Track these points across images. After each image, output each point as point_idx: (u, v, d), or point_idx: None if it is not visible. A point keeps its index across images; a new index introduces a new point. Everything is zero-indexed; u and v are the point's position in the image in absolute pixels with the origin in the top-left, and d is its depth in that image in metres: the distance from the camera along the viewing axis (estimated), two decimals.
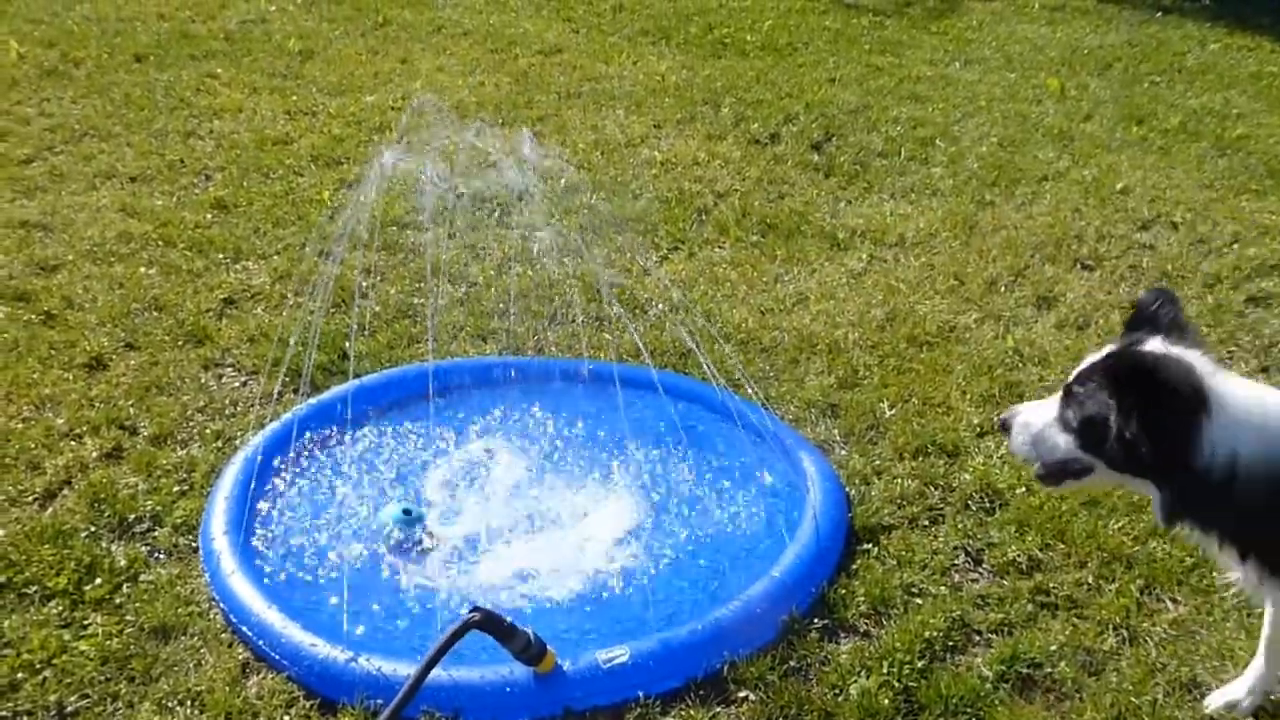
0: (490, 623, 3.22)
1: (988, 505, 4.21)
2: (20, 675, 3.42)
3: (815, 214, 6.60)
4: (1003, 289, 5.79)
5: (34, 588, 3.73)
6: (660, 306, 5.48)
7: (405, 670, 3.19)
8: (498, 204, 6.33)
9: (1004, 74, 9.24)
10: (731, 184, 6.98)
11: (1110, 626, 3.66)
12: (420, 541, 4.01)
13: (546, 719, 3.32)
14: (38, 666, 3.45)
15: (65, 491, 4.21)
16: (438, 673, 3.17)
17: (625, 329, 5.22)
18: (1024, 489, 4.26)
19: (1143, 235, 6.41)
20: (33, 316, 5.27)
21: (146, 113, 7.81)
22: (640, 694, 3.35)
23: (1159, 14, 11.10)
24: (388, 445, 4.53)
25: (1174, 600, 3.78)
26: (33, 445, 4.41)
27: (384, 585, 3.84)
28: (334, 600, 3.73)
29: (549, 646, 3.32)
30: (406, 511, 4.06)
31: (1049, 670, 3.49)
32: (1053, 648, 3.56)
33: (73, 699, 3.36)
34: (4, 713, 3.30)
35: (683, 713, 3.35)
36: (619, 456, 4.47)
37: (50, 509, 4.11)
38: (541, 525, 4.13)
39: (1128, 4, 11.45)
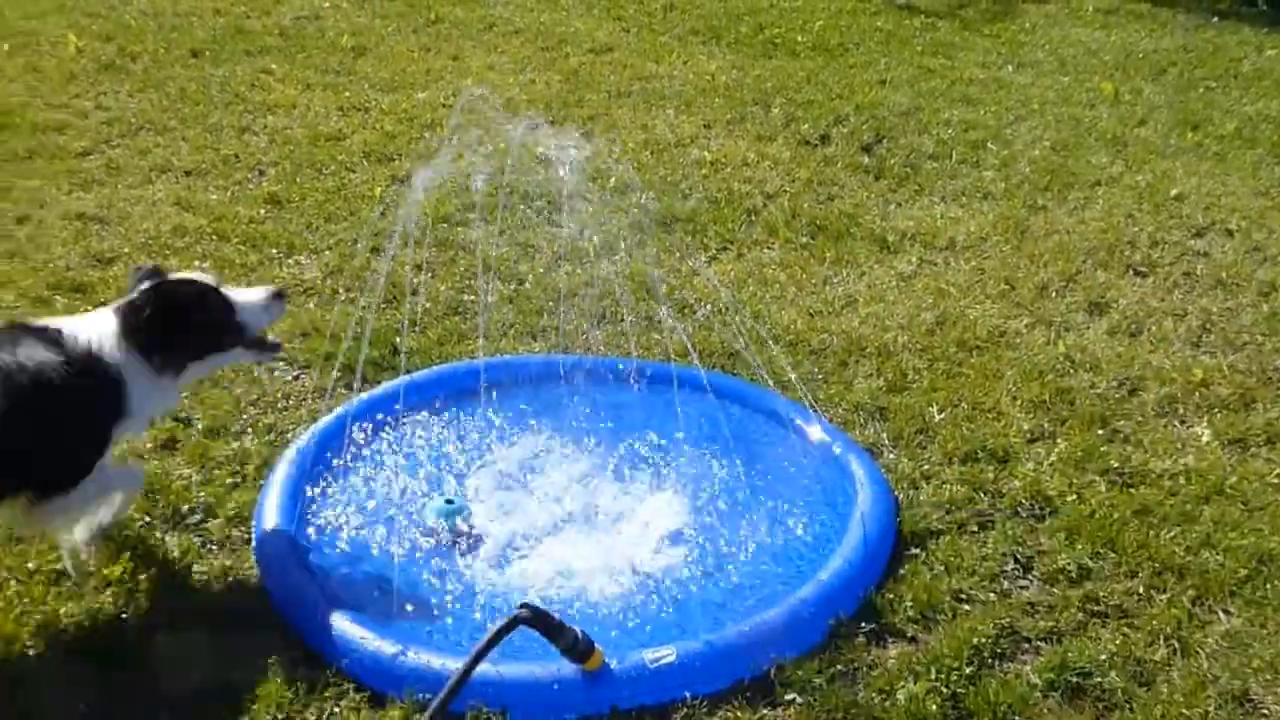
0: (538, 619, 3.23)
1: (1037, 512, 4.19)
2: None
3: (865, 216, 6.58)
4: (1054, 294, 5.75)
5: (90, 576, 3.78)
6: (709, 307, 5.48)
7: (453, 664, 3.20)
8: (547, 201, 6.35)
9: (1057, 77, 9.18)
10: (781, 185, 6.97)
11: (1161, 637, 3.62)
12: (468, 537, 4.03)
13: (593, 717, 3.33)
14: (93, 654, 3.50)
15: None
16: (486, 668, 3.19)
17: (674, 329, 5.22)
18: (1075, 496, 4.24)
19: (1197, 242, 6.34)
20: (90, 308, 5.31)
21: (202, 107, 7.90)
22: (687, 694, 3.36)
23: (1214, 19, 10.98)
24: (438, 441, 4.56)
25: (1226, 612, 3.74)
26: None
27: (433, 580, 3.86)
28: (383, 593, 3.77)
29: (596, 645, 3.33)
30: (449, 501, 4.10)
31: (1098, 679, 3.46)
32: (1102, 657, 3.53)
33: None
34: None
35: (729, 714, 3.35)
36: (666, 456, 4.47)
37: None
38: (589, 523, 4.14)
39: (1183, 8, 11.33)
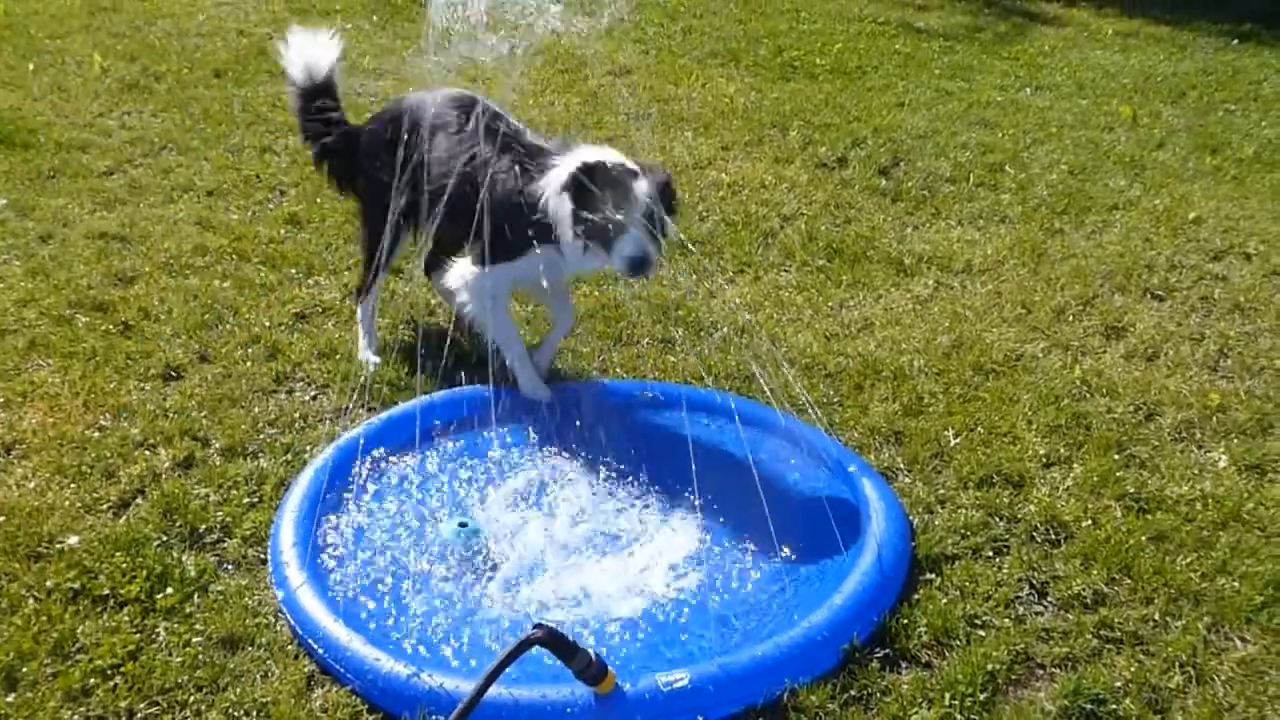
0: (553, 641, 3.24)
1: (1053, 537, 4.19)
2: (93, 681, 3.49)
3: (882, 239, 6.59)
4: (1071, 318, 5.75)
5: (108, 595, 3.80)
6: (725, 329, 5.49)
7: (467, 686, 3.21)
8: None
9: (1075, 100, 9.19)
10: (798, 207, 6.98)
11: (1176, 664, 3.62)
12: (482, 558, 4.04)
13: None
14: (109, 673, 3.52)
15: (139, 500, 4.29)
16: (499, 690, 3.20)
17: (689, 351, 5.23)
18: (1090, 522, 4.23)
19: (1215, 266, 6.34)
20: (110, 327, 5.38)
21: (224, 128, 7.96)
22: (699, 718, 3.36)
23: (1235, 41, 10.97)
24: (454, 462, 4.57)
25: (1243, 639, 3.73)
26: (108, 454, 4.51)
27: (447, 602, 3.88)
28: (397, 615, 3.79)
29: (610, 667, 3.34)
30: (463, 524, 4.11)
31: (1113, 707, 3.46)
32: (1117, 684, 3.53)
33: (142, 706, 3.43)
34: (77, 717, 3.37)
35: None
36: (682, 480, 4.47)
37: (124, 517, 4.20)
38: (604, 546, 4.15)
39: (1203, 31, 11.33)
